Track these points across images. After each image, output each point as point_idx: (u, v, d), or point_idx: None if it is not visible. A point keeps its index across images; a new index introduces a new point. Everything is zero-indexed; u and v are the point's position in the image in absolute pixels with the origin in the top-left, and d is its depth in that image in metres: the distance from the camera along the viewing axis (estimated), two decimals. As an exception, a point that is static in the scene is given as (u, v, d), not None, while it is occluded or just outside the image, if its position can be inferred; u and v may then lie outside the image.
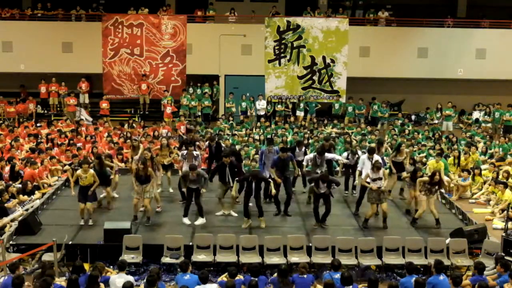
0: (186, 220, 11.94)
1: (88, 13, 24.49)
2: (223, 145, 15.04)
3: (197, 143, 15.59)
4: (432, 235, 11.30)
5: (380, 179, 11.77)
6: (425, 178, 12.05)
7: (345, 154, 14.25)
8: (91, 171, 11.85)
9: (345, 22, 23.18)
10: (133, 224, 11.45)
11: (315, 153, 13.29)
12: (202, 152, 15.29)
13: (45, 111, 23.58)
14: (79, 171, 11.88)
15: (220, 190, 12.63)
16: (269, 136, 17.58)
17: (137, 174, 11.84)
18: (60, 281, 8.87)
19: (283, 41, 23.09)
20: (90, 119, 22.65)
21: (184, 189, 12.33)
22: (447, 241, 10.78)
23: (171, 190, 14.04)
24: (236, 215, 12.41)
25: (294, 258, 10.32)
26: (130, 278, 8.81)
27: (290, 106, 23.20)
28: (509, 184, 13.89)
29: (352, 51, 23.26)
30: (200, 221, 11.94)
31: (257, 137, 18.86)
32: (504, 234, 10.68)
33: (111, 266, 9.92)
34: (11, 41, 23.47)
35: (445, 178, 15.08)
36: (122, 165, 15.84)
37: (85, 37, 23.32)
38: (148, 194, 11.81)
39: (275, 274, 9.00)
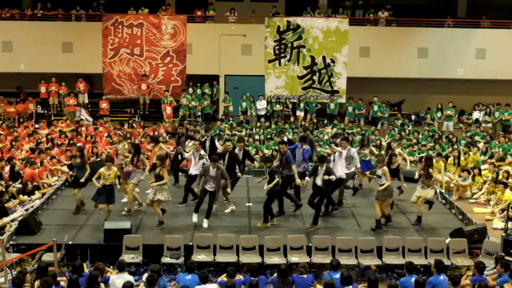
0: (195, 218, 11.59)
1: (88, 13, 24.51)
2: (218, 145, 14.35)
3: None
4: (432, 235, 11.29)
5: (379, 177, 11.67)
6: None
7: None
8: (114, 168, 11.74)
9: (345, 22, 23.17)
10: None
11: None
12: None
13: (45, 111, 23.58)
14: (102, 169, 11.57)
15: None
16: (302, 134, 16.21)
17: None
18: (60, 281, 8.85)
19: (283, 41, 23.08)
20: (90, 119, 22.67)
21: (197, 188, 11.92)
22: (447, 241, 10.77)
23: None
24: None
25: (294, 258, 10.32)
26: (130, 278, 8.81)
27: (290, 106, 23.21)
28: (509, 184, 13.89)
29: (352, 51, 23.26)
30: (206, 223, 11.62)
31: (257, 137, 18.86)
32: (504, 234, 10.68)
33: (111, 266, 9.92)
34: (11, 41, 23.49)
35: (444, 178, 15.13)
36: None
37: (85, 37, 23.33)
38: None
39: (275, 274, 8.99)
